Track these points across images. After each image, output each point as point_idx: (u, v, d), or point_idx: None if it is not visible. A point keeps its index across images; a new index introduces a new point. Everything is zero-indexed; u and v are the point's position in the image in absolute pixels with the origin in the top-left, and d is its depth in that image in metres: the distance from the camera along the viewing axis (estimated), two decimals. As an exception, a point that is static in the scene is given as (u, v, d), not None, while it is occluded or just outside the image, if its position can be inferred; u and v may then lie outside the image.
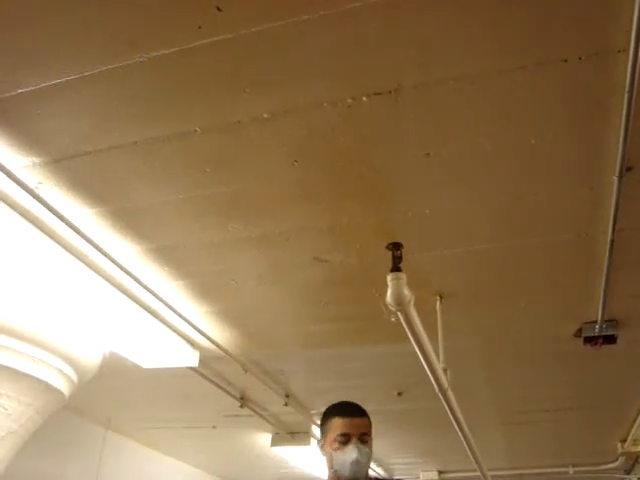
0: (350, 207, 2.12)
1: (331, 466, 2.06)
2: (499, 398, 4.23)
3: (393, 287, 1.83)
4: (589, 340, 3.00)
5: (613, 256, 2.34)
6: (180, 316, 2.93)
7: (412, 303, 1.87)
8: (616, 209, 2.05)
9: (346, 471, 2.01)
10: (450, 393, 2.57)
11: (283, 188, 2.04)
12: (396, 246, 1.94)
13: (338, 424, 2.05)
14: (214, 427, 4.88)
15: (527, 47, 1.53)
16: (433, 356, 2.26)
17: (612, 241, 2.24)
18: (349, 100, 1.68)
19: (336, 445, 2.03)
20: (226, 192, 2.06)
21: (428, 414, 4.32)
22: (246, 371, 3.56)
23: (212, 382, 3.81)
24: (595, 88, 1.65)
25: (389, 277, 1.86)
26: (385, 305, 2.87)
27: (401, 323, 3.02)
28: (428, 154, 1.87)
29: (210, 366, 3.65)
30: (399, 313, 1.92)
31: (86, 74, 1.60)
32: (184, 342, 3.24)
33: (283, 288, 2.74)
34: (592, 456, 5.79)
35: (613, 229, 2.16)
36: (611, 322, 2.91)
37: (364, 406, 2.13)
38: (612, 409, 4.54)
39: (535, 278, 2.62)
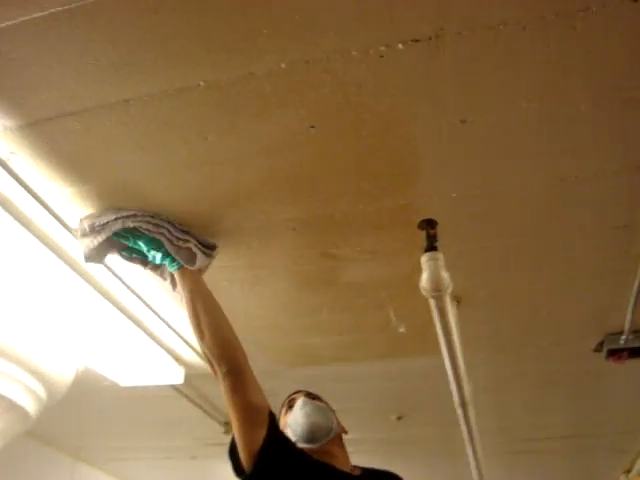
0: (370, 188, 1.87)
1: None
2: (503, 422, 3.94)
3: (430, 268, 1.57)
4: (613, 354, 2.76)
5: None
6: (168, 326, 2.62)
7: (450, 290, 1.62)
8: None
9: (299, 428, 1.81)
10: (470, 408, 2.30)
11: (295, 162, 1.78)
12: (430, 224, 1.68)
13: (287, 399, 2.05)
14: (193, 458, 4.51)
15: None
16: (460, 359, 1.99)
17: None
18: (382, 48, 1.44)
19: (285, 411, 1.96)
20: (227, 166, 1.80)
21: (429, 441, 4.03)
22: (235, 391, 3.24)
23: (195, 404, 3.48)
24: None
25: (424, 258, 1.60)
26: (394, 312, 2.63)
27: (408, 335, 2.78)
28: (464, 121, 1.64)
29: (194, 385, 3.33)
30: (433, 300, 1.65)
31: (74, 5, 1.34)
32: (169, 357, 2.93)
33: (281, 293, 2.47)
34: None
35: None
36: (637, 333, 2.69)
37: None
38: (619, 437, 4.29)
39: (562, 282, 2.39)
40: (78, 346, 2.74)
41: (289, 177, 1.85)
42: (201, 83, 1.54)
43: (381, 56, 1.46)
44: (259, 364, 3.08)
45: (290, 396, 2.07)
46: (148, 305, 2.48)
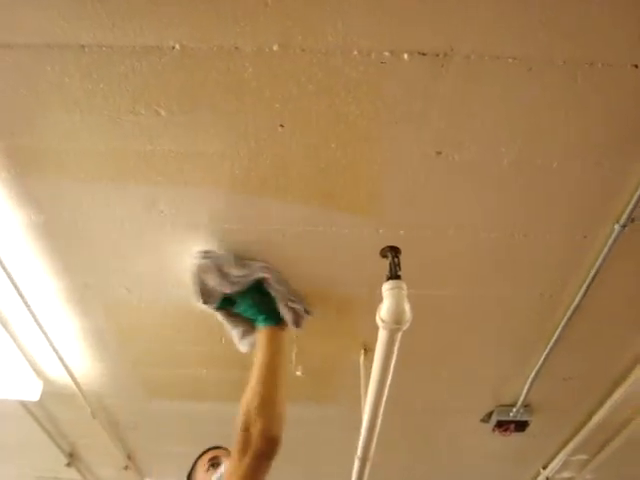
0: (323, 211, 1.73)
1: None
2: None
3: (393, 297, 1.43)
4: (501, 425, 2.76)
5: (568, 326, 2.16)
6: (38, 325, 2.25)
7: (407, 326, 1.48)
8: (601, 263, 1.87)
9: None
10: (369, 464, 2.16)
11: (249, 165, 1.60)
12: (394, 250, 1.57)
13: (207, 455, 2.03)
14: (19, 492, 3.93)
15: (601, 42, 1.32)
16: (381, 409, 1.85)
17: (576, 307, 2.05)
18: (386, 53, 1.34)
19: (207, 468, 1.97)
20: (174, 153, 1.58)
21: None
22: (95, 417, 2.86)
23: (42, 427, 3.04)
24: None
25: (387, 286, 1.46)
26: (296, 354, 2.47)
27: (304, 379, 2.61)
28: (440, 153, 1.56)
29: (46, 405, 2.90)
30: (386, 332, 1.50)
31: None
32: (27, 366, 2.52)
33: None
34: None
35: (586, 290, 1.97)
36: (527, 407, 2.71)
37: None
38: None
39: (475, 344, 2.35)
40: None
41: (235, 182, 1.66)
42: (176, 46, 1.34)
43: (382, 62, 1.35)
44: (137, 390, 2.76)
45: (210, 451, 2.06)
46: (18, 292, 2.09)
